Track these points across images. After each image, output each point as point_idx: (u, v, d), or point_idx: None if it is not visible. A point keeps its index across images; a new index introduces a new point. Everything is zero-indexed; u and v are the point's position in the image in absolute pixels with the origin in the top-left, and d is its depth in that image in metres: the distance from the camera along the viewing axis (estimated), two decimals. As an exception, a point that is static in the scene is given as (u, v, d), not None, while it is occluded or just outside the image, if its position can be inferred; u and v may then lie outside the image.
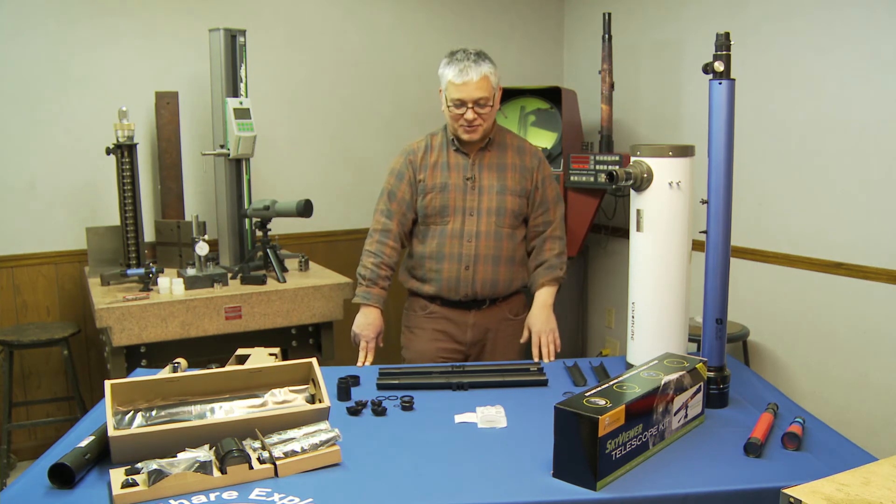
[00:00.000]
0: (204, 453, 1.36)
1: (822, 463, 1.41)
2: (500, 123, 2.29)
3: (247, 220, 3.13)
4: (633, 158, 1.82)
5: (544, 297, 2.22)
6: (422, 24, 3.83)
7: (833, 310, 2.86)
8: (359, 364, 2.11)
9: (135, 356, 2.60)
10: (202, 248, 2.76)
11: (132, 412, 1.48)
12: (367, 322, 2.17)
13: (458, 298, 2.21)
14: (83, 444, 1.41)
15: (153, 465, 1.31)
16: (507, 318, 2.28)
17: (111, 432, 1.38)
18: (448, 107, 2.12)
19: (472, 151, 2.19)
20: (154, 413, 1.49)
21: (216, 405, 1.53)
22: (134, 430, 1.42)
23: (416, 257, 2.25)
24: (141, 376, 1.63)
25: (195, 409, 1.51)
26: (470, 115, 2.08)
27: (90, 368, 3.30)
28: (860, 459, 1.39)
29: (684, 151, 1.78)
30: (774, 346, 3.12)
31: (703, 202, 1.71)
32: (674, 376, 1.51)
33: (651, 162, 1.78)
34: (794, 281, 3.00)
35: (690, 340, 1.97)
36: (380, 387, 1.85)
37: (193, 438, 1.41)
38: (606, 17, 3.45)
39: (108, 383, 1.46)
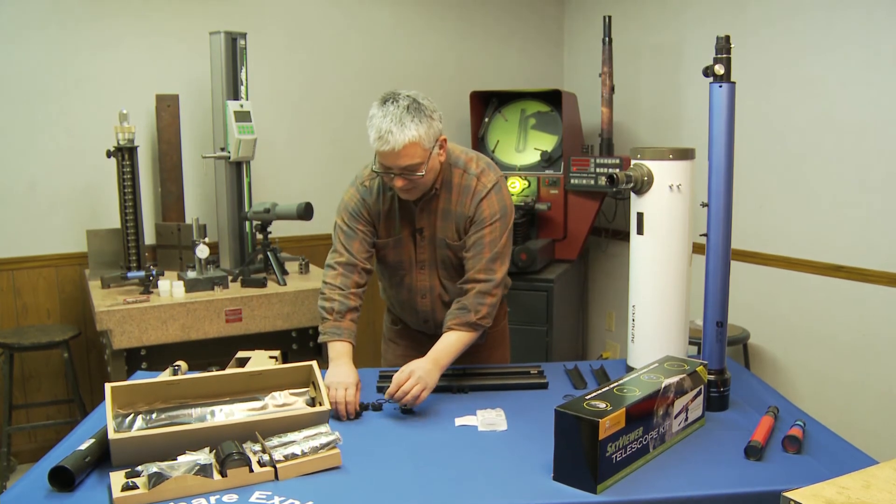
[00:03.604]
0: (204, 456, 1.36)
1: (822, 466, 1.41)
2: (456, 148, 1.95)
3: (247, 223, 3.13)
4: (633, 161, 1.82)
5: (439, 350, 1.80)
6: (422, 27, 3.83)
7: (833, 312, 2.86)
8: (346, 419, 1.70)
9: (135, 359, 2.60)
10: (202, 251, 2.76)
11: (132, 415, 1.48)
12: (342, 372, 1.77)
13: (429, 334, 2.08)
14: (83, 446, 1.41)
15: (153, 467, 1.31)
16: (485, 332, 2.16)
17: (111, 435, 1.38)
18: (373, 169, 1.85)
19: (420, 200, 1.91)
20: (154, 416, 1.48)
21: (216, 408, 1.52)
22: (134, 432, 1.42)
23: (382, 287, 2.13)
24: (141, 379, 1.63)
25: (195, 411, 1.51)
26: (398, 182, 1.79)
27: (90, 371, 3.30)
28: (861, 462, 1.39)
29: (685, 154, 1.79)
30: (775, 349, 3.11)
31: (704, 205, 1.71)
32: (674, 379, 1.51)
33: (651, 165, 1.78)
34: (794, 284, 3.00)
35: (691, 343, 1.97)
36: (380, 389, 1.85)
37: (194, 441, 1.41)
38: (606, 20, 3.45)
39: (108, 386, 1.46)
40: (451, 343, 1.84)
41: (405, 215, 1.95)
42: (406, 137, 1.73)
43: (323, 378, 1.66)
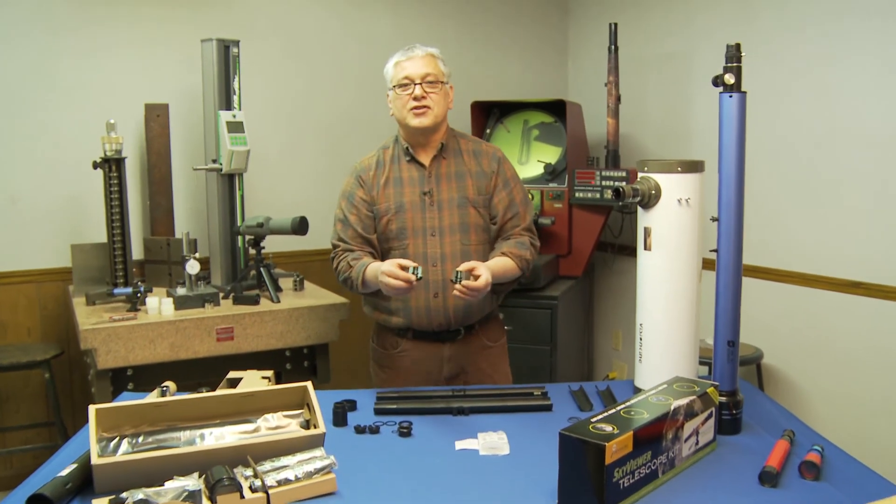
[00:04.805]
0: (193, 482, 1.36)
1: (842, 494, 1.40)
2: (470, 136, 2.20)
3: (239, 238, 3.14)
4: (640, 174, 1.83)
5: (496, 265, 2.00)
6: (422, 36, 3.83)
7: (851, 331, 2.86)
8: (415, 277, 1.85)
9: (121, 379, 2.60)
10: (193, 267, 2.76)
11: (117, 438, 1.47)
12: (384, 270, 1.89)
13: (430, 329, 2.12)
14: (64, 472, 1.41)
15: (139, 494, 1.31)
16: (485, 346, 2.20)
17: (95, 460, 1.37)
18: (395, 90, 2.06)
19: (426, 161, 2.10)
20: (141, 439, 1.48)
21: (206, 431, 1.52)
22: (119, 457, 1.42)
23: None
24: (127, 401, 1.63)
25: (184, 435, 1.51)
26: (418, 90, 2.02)
27: (73, 392, 3.28)
28: (883, 490, 1.38)
29: (694, 167, 1.80)
30: (790, 370, 3.11)
31: (714, 219, 1.72)
32: (684, 401, 1.51)
33: (659, 178, 1.79)
34: (809, 301, 3.00)
35: (701, 364, 1.97)
36: (377, 412, 1.85)
37: (182, 466, 1.40)
38: (612, 28, 3.48)
39: (92, 408, 1.46)
40: (504, 264, 2.04)
41: (411, 181, 2.10)
42: (428, 49, 2.08)
43: (318, 398, 1.65)
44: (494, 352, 2.23)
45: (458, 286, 1.88)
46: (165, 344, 2.59)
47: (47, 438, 3.19)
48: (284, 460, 1.44)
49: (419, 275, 1.87)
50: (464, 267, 1.89)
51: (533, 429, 1.74)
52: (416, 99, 2.03)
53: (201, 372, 2.65)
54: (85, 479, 1.42)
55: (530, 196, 2.35)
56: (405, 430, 1.72)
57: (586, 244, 3.52)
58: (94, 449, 1.39)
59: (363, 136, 3.74)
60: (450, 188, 2.10)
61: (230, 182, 3.09)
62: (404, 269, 1.87)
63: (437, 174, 2.10)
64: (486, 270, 1.90)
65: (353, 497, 1.42)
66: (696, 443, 1.55)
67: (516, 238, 2.13)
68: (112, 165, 2.88)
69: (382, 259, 2.12)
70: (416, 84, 2.03)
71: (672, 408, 1.48)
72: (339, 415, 1.79)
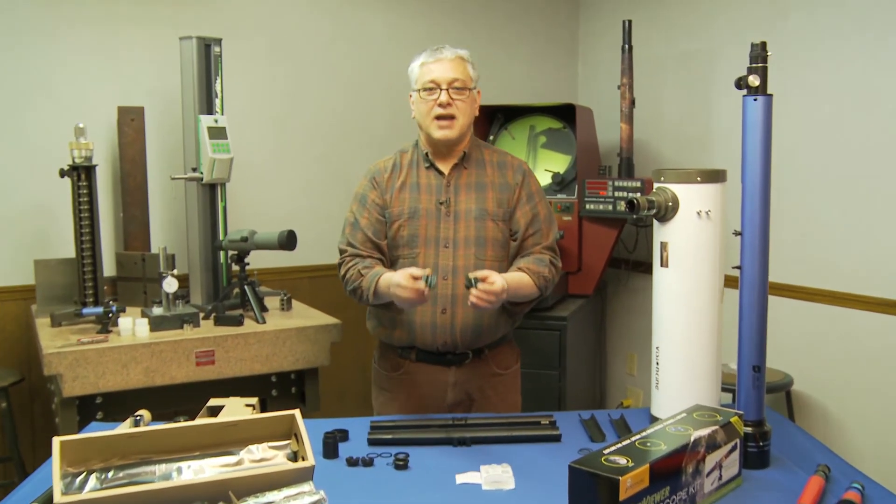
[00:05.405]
0: (168, 520, 1.36)
1: (881, 534, 1.40)
2: (483, 141, 2.24)
3: (222, 253, 3.14)
4: (656, 184, 1.84)
5: (513, 280, 2.01)
6: (420, 35, 3.89)
7: (891, 355, 2.86)
8: (427, 287, 1.88)
9: (89, 408, 2.59)
10: (170, 285, 2.77)
11: (84, 474, 1.47)
12: (396, 282, 1.91)
13: (434, 348, 2.13)
14: (24, 512, 1.40)
15: (110, 533, 1.30)
16: (495, 374, 2.21)
17: (58, 498, 1.37)
18: (419, 93, 2.09)
19: (446, 169, 2.14)
20: (111, 474, 1.48)
21: (184, 464, 1.52)
22: (86, 494, 1.41)
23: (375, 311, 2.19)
24: (96, 432, 1.62)
25: (159, 468, 1.50)
26: (444, 96, 2.05)
27: (33, 424, 3.26)
28: (926, 530, 1.38)
29: (714, 176, 1.81)
30: (823, 397, 3.10)
31: (736, 234, 1.73)
32: (705, 432, 1.51)
33: (677, 188, 1.80)
34: (844, 322, 3.00)
35: (724, 391, 1.97)
36: (371, 442, 1.85)
37: (157, 503, 1.40)
38: (626, 26, 3.51)
39: (56, 440, 1.45)
40: (519, 280, 2.05)
41: (428, 188, 2.14)
42: (458, 52, 2.11)
43: (306, 428, 1.66)
44: (504, 380, 2.23)
45: (473, 291, 1.89)
46: (139, 369, 2.59)
47: (2, 475, 3.17)
48: (270, 496, 1.44)
49: (432, 283, 1.89)
50: (478, 274, 1.91)
51: (540, 461, 1.74)
52: (441, 106, 2.06)
53: (179, 399, 2.65)
54: (48, 519, 1.42)
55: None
56: (401, 463, 1.71)
57: (598, 260, 3.53)
58: (58, 486, 1.39)
59: (355, 143, 3.76)
60: (468, 199, 2.13)
61: (211, 192, 3.11)
62: (417, 279, 1.89)
63: (456, 184, 2.14)
64: (501, 278, 1.92)
65: (344, 537, 1.42)
66: (720, 478, 1.55)
67: (536, 255, 2.14)
68: (81, 173, 2.89)
69: (390, 268, 2.14)
70: (442, 89, 2.06)
71: (692, 439, 1.48)
72: (330, 446, 1.79)
